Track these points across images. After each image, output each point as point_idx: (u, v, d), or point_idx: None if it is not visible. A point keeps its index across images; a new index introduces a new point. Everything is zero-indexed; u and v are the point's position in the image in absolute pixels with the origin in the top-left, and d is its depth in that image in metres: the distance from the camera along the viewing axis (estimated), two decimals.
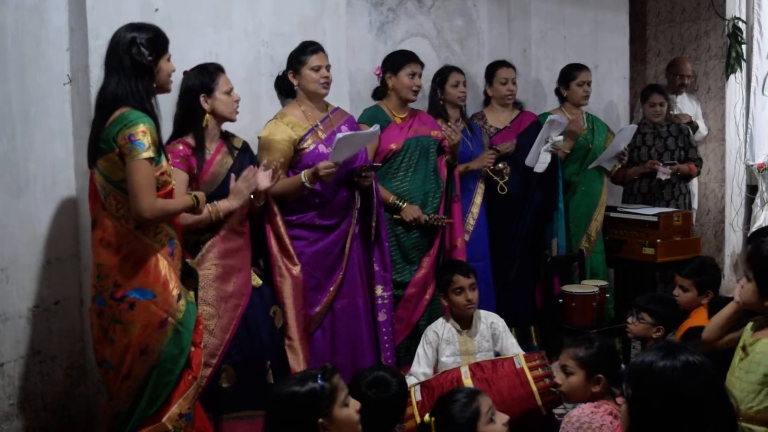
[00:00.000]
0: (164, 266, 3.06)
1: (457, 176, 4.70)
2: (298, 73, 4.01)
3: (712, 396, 2.01)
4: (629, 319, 3.91)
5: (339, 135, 3.79)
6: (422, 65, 4.56)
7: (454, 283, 3.97)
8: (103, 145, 2.98)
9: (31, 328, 3.57)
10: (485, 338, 4.01)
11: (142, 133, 2.91)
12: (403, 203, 4.40)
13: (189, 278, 3.25)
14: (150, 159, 2.93)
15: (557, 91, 5.52)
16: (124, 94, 2.98)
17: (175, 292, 3.06)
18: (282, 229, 3.80)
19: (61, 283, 3.65)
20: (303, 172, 3.86)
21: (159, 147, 3.02)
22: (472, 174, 4.86)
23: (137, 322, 3.01)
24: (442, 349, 3.98)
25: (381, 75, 4.56)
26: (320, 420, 2.45)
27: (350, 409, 2.55)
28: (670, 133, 5.92)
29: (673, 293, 4.13)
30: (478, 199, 4.89)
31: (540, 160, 4.97)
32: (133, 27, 3.07)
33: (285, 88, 4.12)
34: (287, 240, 3.80)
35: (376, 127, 4.07)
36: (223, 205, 3.50)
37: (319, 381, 2.47)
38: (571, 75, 5.40)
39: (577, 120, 5.35)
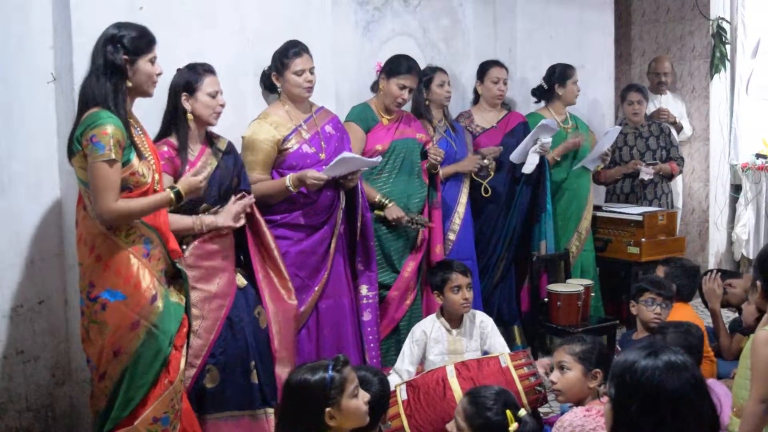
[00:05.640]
0: (136, 267, 3.02)
1: (439, 183, 4.69)
2: (281, 76, 3.98)
3: (694, 395, 2.03)
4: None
5: (343, 154, 3.81)
6: (419, 80, 4.53)
7: (452, 281, 3.96)
8: (73, 146, 2.98)
9: (15, 328, 3.55)
10: (474, 338, 4.02)
11: (104, 135, 2.88)
12: (389, 202, 4.40)
13: (180, 279, 3.22)
14: (110, 161, 2.89)
15: (548, 91, 5.51)
16: (94, 92, 2.96)
17: (148, 293, 3.02)
18: (273, 247, 3.74)
19: (45, 283, 3.63)
20: (288, 176, 3.85)
21: (131, 147, 2.99)
22: (458, 173, 4.86)
23: (109, 324, 2.99)
24: (430, 348, 3.97)
25: (379, 72, 4.54)
26: (328, 409, 2.50)
27: (359, 400, 2.60)
28: (652, 133, 5.95)
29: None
30: (463, 199, 4.89)
31: (528, 161, 4.98)
32: (117, 25, 3.05)
33: (270, 85, 4.10)
34: (282, 266, 3.76)
35: (378, 158, 4.14)
36: (208, 220, 3.46)
37: (330, 371, 2.52)
38: (567, 73, 5.42)
39: (579, 137, 5.39)
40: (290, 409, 2.57)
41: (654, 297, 4.03)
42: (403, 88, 4.44)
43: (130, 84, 3.04)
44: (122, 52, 2.99)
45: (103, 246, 3.00)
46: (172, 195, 3.09)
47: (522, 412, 2.76)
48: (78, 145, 2.94)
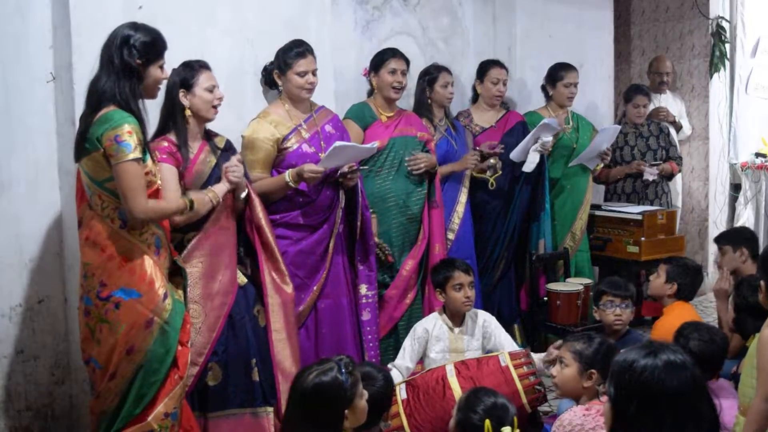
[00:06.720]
0: (150, 265, 3.06)
1: (438, 183, 4.68)
2: (283, 74, 3.98)
3: (693, 395, 2.03)
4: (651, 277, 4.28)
5: (337, 143, 3.80)
6: (406, 61, 4.53)
7: (454, 279, 3.96)
8: (88, 144, 2.97)
9: (14, 328, 3.56)
10: (476, 337, 4.02)
11: (128, 134, 2.91)
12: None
13: (177, 276, 3.25)
14: (137, 159, 2.93)
15: (543, 89, 5.53)
16: (111, 92, 2.97)
17: (161, 291, 3.06)
18: (272, 241, 3.71)
19: (44, 282, 3.63)
20: (287, 171, 3.85)
21: (145, 147, 3.02)
22: (457, 172, 4.86)
23: (123, 322, 3.00)
24: (431, 346, 3.98)
25: (367, 75, 4.56)
26: (346, 411, 2.57)
27: (363, 399, 2.67)
28: (651, 133, 5.96)
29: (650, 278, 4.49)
30: (462, 198, 4.88)
31: (528, 159, 4.99)
32: (133, 26, 3.06)
33: (270, 81, 4.09)
34: (279, 256, 3.73)
35: (374, 144, 4.09)
36: (219, 187, 3.45)
37: (343, 373, 2.56)
38: (558, 75, 5.42)
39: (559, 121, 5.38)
40: (310, 413, 2.56)
41: (612, 299, 4.02)
42: (394, 72, 4.45)
43: (141, 86, 3.07)
44: (137, 56, 3.01)
45: (117, 245, 3.02)
46: (187, 202, 3.21)
47: (506, 430, 2.76)
48: (98, 144, 2.94)
